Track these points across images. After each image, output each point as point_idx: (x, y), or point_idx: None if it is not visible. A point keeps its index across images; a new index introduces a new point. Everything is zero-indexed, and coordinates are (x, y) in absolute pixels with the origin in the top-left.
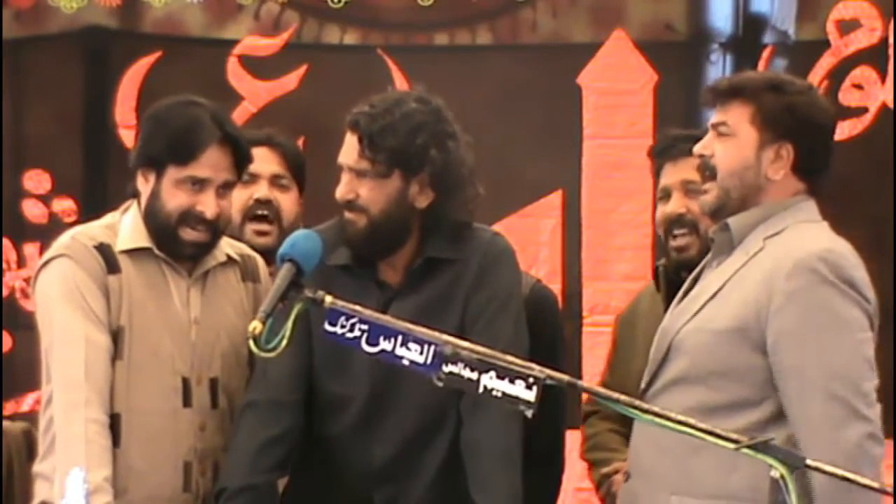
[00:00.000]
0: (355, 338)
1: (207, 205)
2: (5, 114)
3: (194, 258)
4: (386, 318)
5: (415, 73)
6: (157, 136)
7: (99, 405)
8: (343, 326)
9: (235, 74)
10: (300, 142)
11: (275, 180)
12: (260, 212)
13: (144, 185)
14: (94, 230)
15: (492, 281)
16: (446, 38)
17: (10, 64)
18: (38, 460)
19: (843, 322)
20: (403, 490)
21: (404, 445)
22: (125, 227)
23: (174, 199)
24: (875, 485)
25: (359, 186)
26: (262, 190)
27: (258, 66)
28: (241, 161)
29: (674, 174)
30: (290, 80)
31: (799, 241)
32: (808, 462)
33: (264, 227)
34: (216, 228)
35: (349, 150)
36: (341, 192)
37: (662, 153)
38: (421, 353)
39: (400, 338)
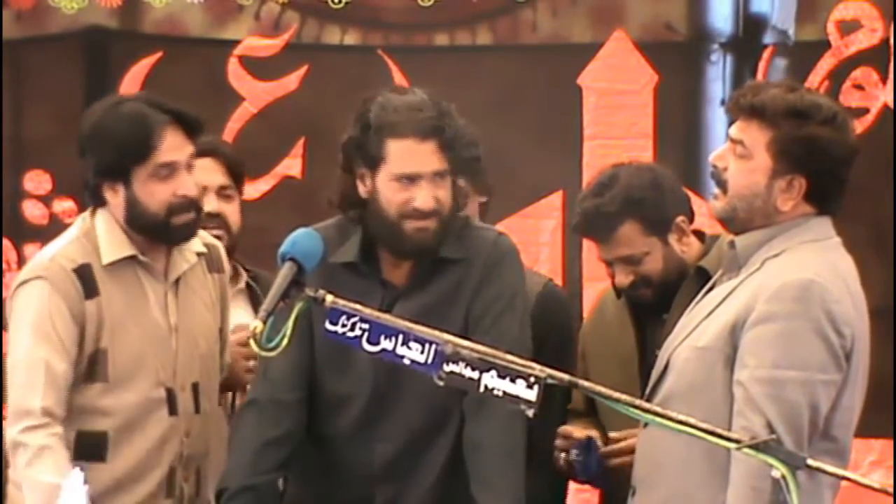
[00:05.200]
0: (356, 337)
1: (187, 187)
2: (5, 114)
3: (187, 239)
4: (386, 317)
5: (415, 74)
6: (109, 147)
7: (52, 423)
8: (344, 325)
9: (236, 75)
10: (301, 142)
11: (221, 191)
12: (210, 225)
13: (114, 196)
14: (73, 248)
15: (497, 280)
16: (447, 39)
17: (10, 64)
18: (12, 468)
19: (802, 360)
20: (405, 490)
21: (407, 444)
22: (104, 236)
23: (155, 196)
24: (875, 485)
25: (436, 191)
26: (210, 203)
27: (259, 67)
28: (195, 131)
29: (606, 252)
30: (291, 81)
31: (790, 265)
32: (810, 462)
33: (216, 232)
34: (198, 206)
35: (429, 158)
36: (427, 202)
37: (586, 234)
38: (422, 352)
39: (401, 337)
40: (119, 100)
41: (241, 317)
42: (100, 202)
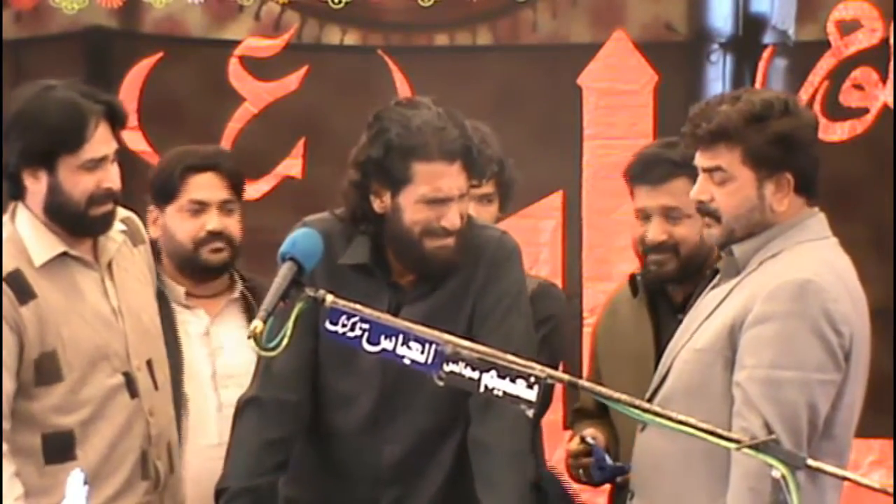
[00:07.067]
0: (356, 337)
1: (111, 179)
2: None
3: (103, 231)
4: (386, 317)
5: (415, 74)
6: (38, 132)
7: None
8: (344, 325)
9: (237, 75)
10: (301, 142)
11: (223, 206)
12: (214, 242)
13: (35, 183)
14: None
15: (502, 279)
16: (447, 39)
17: (10, 65)
18: None
19: (799, 360)
20: (412, 492)
21: (415, 446)
22: (29, 237)
23: (78, 186)
24: (876, 485)
25: (462, 209)
26: (213, 221)
27: (259, 67)
28: (121, 124)
29: (652, 198)
30: (292, 81)
31: (788, 265)
32: (810, 462)
33: (218, 244)
34: (117, 197)
35: (457, 180)
36: (454, 221)
37: (640, 176)
38: (422, 352)
39: (401, 337)
40: (50, 85)
41: (235, 327)
42: (18, 190)
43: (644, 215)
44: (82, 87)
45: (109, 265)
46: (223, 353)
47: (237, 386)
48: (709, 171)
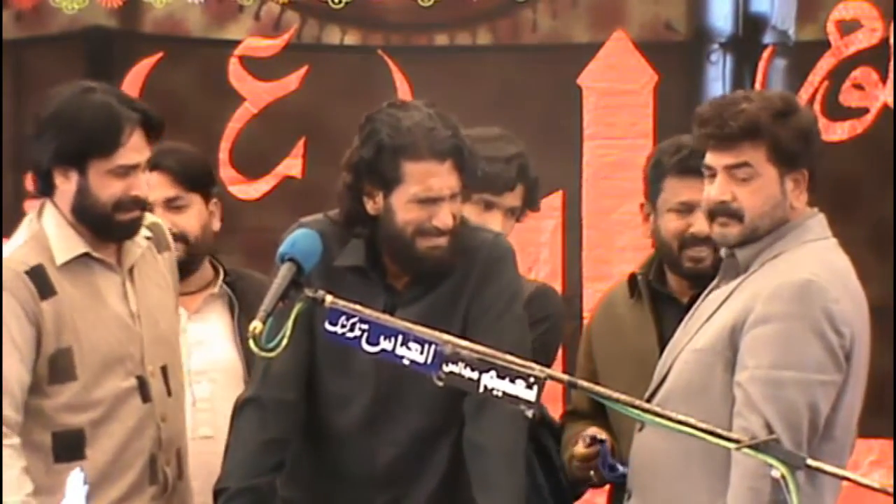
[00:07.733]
0: (355, 337)
1: (140, 187)
2: (6, 114)
3: (130, 236)
4: (386, 318)
5: (415, 74)
6: (73, 133)
7: (10, 434)
8: (343, 326)
9: (237, 75)
10: (301, 142)
11: (168, 204)
12: None
13: (65, 183)
14: (24, 251)
15: (496, 280)
16: (447, 39)
17: (10, 64)
18: None
19: (800, 360)
20: (406, 494)
21: (410, 448)
22: (54, 235)
23: (107, 190)
24: (875, 485)
25: (453, 209)
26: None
27: (259, 67)
28: (156, 134)
29: (700, 191)
30: (292, 81)
31: (788, 266)
32: (809, 462)
33: None
34: (144, 204)
35: (447, 179)
36: (446, 221)
37: (682, 168)
38: (421, 352)
39: (400, 337)
40: (88, 87)
41: (215, 323)
42: (48, 188)
43: (686, 208)
44: (120, 93)
45: (132, 270)
46: (200, 348)
47: (210, 381)
48: (731, 168)
